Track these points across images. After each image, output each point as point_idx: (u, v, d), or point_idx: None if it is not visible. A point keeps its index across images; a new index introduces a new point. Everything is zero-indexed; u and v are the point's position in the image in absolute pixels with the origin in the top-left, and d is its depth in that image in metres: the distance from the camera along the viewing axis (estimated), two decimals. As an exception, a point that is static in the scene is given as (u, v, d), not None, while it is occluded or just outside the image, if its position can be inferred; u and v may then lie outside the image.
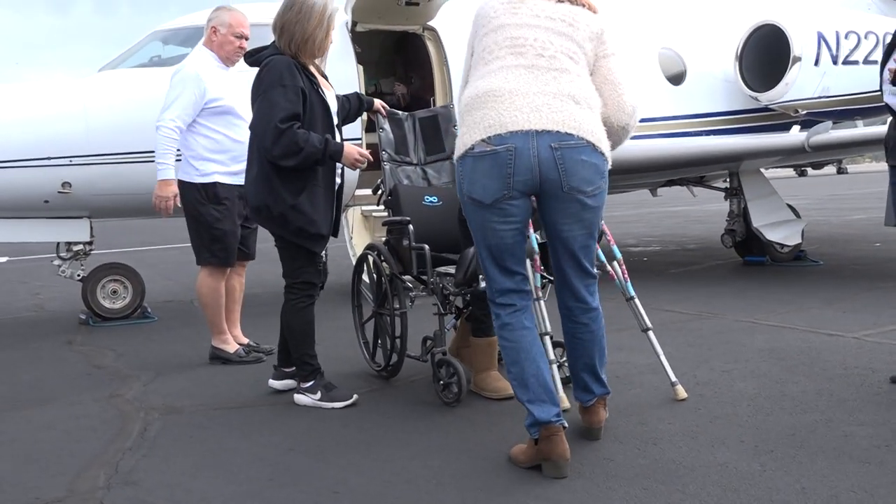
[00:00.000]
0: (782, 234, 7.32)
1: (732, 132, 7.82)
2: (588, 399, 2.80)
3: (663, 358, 3.37)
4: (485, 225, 2.56)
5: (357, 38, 6.85)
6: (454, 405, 3.34)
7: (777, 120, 8.01)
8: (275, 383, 3.74)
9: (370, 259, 3.95)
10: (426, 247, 3.46)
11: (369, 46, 7.68)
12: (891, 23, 9.03)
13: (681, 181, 8.49)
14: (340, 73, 6.42)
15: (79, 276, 5.88)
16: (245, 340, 4.57)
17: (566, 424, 2.58)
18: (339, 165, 3.54)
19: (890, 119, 3.39)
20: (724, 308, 5.37)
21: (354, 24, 6.73)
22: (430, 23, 6.90)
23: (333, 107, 3.57)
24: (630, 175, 7.59)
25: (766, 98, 7.70)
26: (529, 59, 2.51)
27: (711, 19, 8.53)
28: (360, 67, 6.69)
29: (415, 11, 6.78)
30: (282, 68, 3.39)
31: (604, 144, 2.53)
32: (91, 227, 5.85)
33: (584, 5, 2.65)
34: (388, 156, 3.99)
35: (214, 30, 4.41)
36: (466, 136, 2.52)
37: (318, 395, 3.46)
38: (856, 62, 7.72)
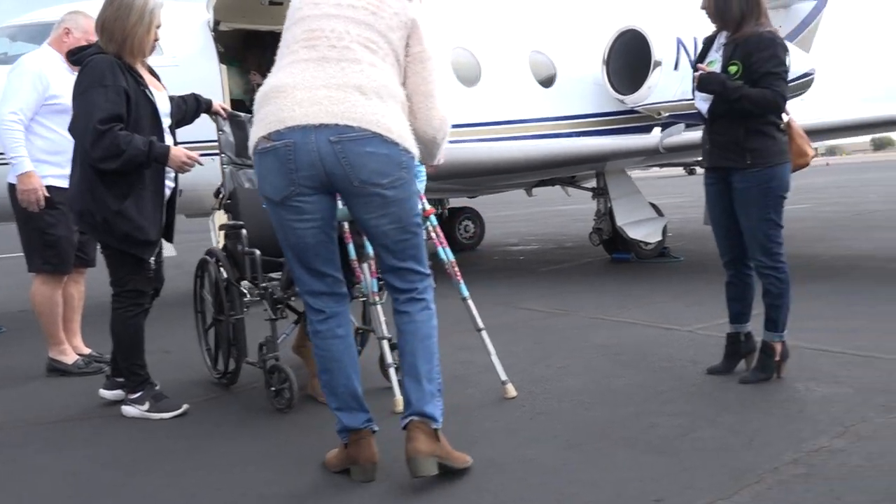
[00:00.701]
0: (644, 232, 7.61)
1: (600, 133, 8.09)
2: (405, 416, 2.50)
3: (495, 357, 3.44)
4: (283, 224, 2.50)
5: (222, 36, 6.71)
6: (286, 411, 3.31)
7: (641, 122, 8.34)
8: (105, 393, 3.61)
9: (209, 264, 3.86)
10: (257, 252, 3.42)
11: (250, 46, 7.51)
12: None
13: (552, 181, 8.69)
14: (202, 72, 6.30)
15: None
16: (86, 351, 4.39)
17: (376, 429, 2.59)
18: (170, 169, 3.44)
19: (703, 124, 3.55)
20: (580, 305, 5.53)
21: (217, 22, 6.58)
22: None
23: (164, 108, 3.47)
24: (503, 175, 7.74)
25: (631, 101, 8.01)
26: (321, 51, 2.43)
27: (581, 24, 8.80)
28: (224, 67, 6.54)
29: (279, 11, 6.67)
30: (103, 68, 3.27)
31: (397, 134, 2.40)
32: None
33: None
34: (227, 158, 3.91)
35: (67, 31, 4.23)
36: (254, 134, 2.46)
37: (147, 405, 3.36)
38: (713, 67, 8.09)
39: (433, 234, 3.54)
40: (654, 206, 8.03)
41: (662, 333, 4.46)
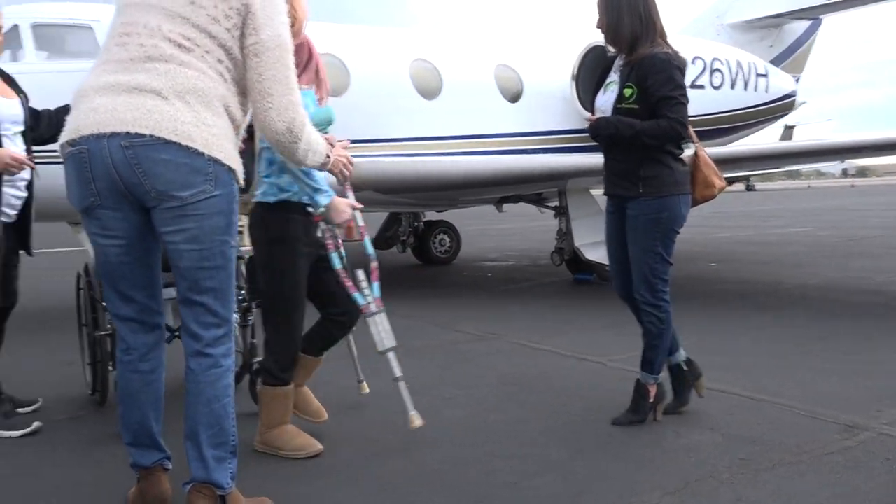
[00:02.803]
0: (601, 254, 7.36)
1: (563, 150, 7.89)
2: (186, 482, 2.30)
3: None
4: (90, 236, 2.32)
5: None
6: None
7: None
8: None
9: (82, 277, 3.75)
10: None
11: None
12: (731, 51, 9.29)
13: (516, 198, 8.51)
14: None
15: None
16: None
17: (169, 467, 2.43)
18: (24, 177, 3.33)
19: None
20: (511, 329, 5.33)
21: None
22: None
23: (9, 113, 3.35)
24: (456, 191, 7.57)
25: (600, 118, 7.79)
26: (130, 50, 2.23)
27: (550, 39, 8.62)
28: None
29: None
30: None
31: (201, 142, 2.15)
32: None
33: None
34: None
35: None
36: (60, 139, 2.28)
37: (-8, 423, 3.24)
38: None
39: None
40: (618, 226, 7.79)
41: (574, 364, 4.26)
